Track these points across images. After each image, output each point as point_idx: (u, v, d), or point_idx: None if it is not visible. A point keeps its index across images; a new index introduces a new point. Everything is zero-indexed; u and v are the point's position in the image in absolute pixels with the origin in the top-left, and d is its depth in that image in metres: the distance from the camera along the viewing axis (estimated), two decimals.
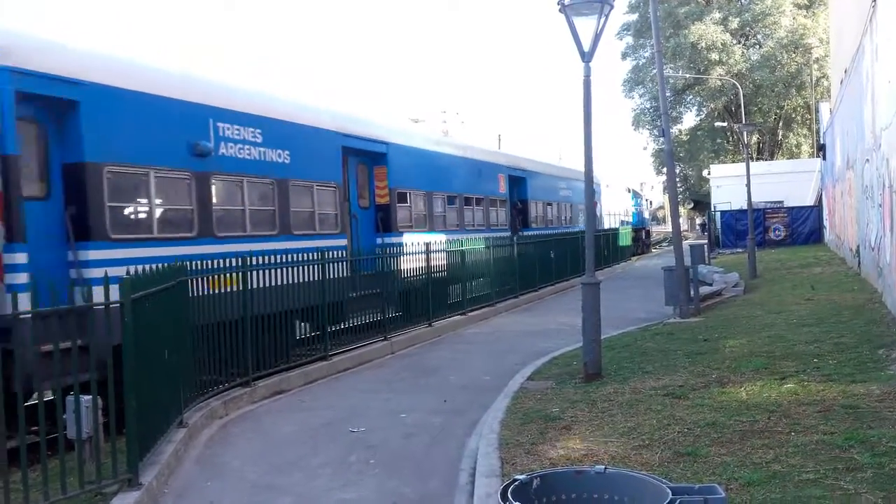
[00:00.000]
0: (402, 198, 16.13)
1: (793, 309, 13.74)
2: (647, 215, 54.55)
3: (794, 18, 47.36)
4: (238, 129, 11.19)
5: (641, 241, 46.56)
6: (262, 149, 11.63)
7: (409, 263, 14.41)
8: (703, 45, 47.40)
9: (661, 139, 31.29)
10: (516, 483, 2.93)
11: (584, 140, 9.68)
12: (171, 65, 11.73)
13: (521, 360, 11.41)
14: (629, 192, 47.62)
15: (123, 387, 6.24)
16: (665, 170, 20.43)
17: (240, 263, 9.85)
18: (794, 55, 47.39)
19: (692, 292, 15.12)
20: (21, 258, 7.84)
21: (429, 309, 14.97)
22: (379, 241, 14.94)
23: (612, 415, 7.41)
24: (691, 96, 53.58)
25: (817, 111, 39.40)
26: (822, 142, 32.53)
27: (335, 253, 12.15)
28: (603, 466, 3.08)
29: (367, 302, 13.19)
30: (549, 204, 27.77)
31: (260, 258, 10.26)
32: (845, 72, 19.74)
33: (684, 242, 21.20)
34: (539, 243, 22.18)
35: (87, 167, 8.78)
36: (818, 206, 37.18)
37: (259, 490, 6.46)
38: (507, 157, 24.99)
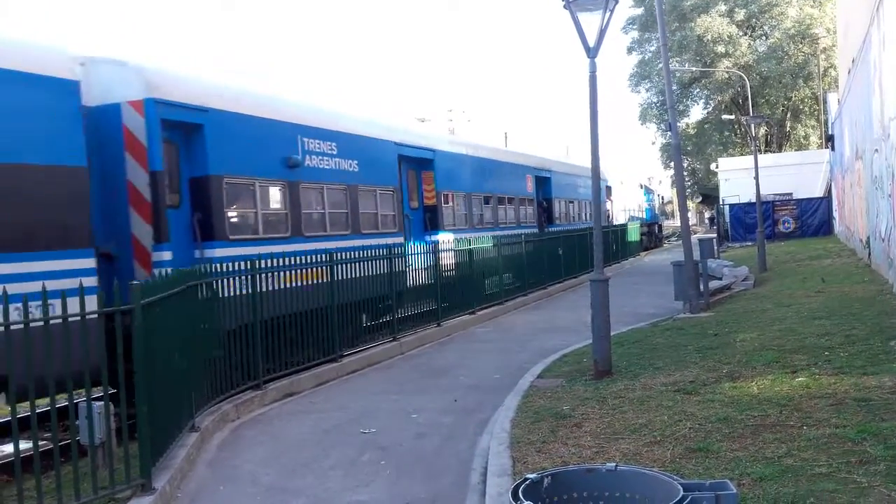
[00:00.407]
0: (447, 199, 18.06)
1: (803, 302, 13.68)
2: (657, 210, 56.01)
3: (800, 9, 47.13)
4: (319, 143, 12.96)
5: (654, 234, 48.48)
6: (336, 159, 13.44)
7: (451, 259, 15.94)
8: (710, 37, 47.24)
9: (669, 133, 31.39)
10: (527, 482, 2.93)
11: (590, 136, 9.67)
12: (267, 89, 13.42)
13: (531, 358, 11.39)
14: (642, 188, 48.97)
15: (135, 392, 6.27)
16: (673, 164, 20.39)
17: (327, 258, 11.55)
18: (801, 46, 47.17)
19: (702, 287, 15.07)
20: (167, 255, 9.68)
21: (438, 309, 14.98)
22: (427, 238, 16.34)
23: (622, 411, 7.40)
24: (698, 89, 53.39)
25: (825, 102, 39.19)
26: (830, 133, 32.39)
27: (397, 249, 13.91)
28: (614, 464, 3.08)
29: (420, 293, 14.79)
30: (571, 201, 29.61)
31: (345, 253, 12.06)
32: (853, 62, 19.63)
33: (693, 237, 21.20)
34: (547, 240, 22.16)
35: (211, 180, 10.56)
36: (827, 197, 37.02)
37: (272, 493, 6.48)
38: (534, 158, 26.41)
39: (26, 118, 8.13)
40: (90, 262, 8.57)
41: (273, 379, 10.17)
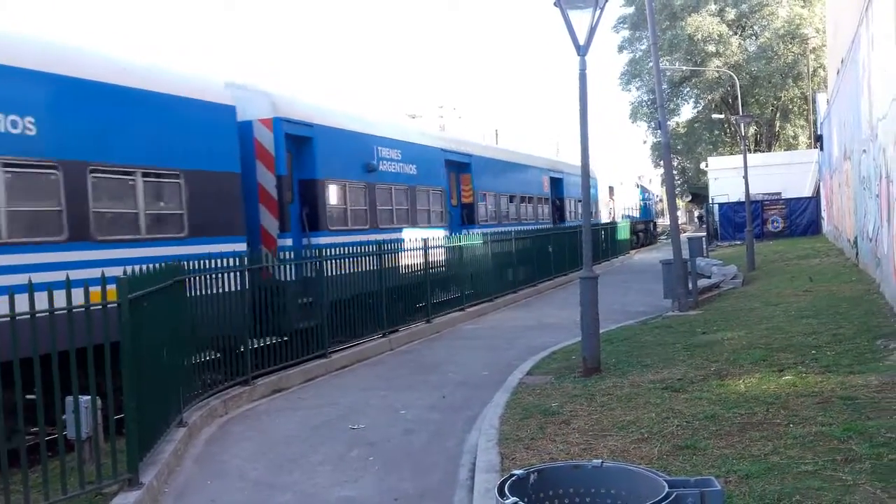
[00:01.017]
0: (481, 197, 20.97)
1: (791, 301, 13.76)
2: (654, 208, 58.14)
3: (790, 9, 47.32)
4: (388, 151, 15.58)
5: (650, 231, 51.93)
6: (400, 164, 16.03)
7: (486, 249, 17.93)
8: (700, 36, 47.39)
9: (659, 132, 31.61)
10: (514, 478, 2.92)
11: (580, 134, 9.68)
12: (351, 107, 18.03)
13: (520, 355, 11.41)
14: (638, 187, 51.54)
15: (123, 387, 6.25)
16: (663, 163, 20.52)
17: (422, 244, 14.85)
18: (790, 46, 47.37)
19: (690, 285, 15.13)
20: (288, 242, 12.14)
21: (427, 305, 14.99)
22: (465, 231, 18.53)
23: (611, 409, 7.43)
24: (688, 88, 53.54)
25: (814, 102, 39.38)
26: (819, 133, 32.54)
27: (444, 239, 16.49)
28: (600, 460, 3.08)
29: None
30: (580, 200, 29.84)
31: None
32: (842, 62, 19.72)
33: (682, 235, 21.44)
34: (537, 237, 22.21)
35: (316, 182, 13.04)
36: (816, 197, 37.21)
37: (260, 488, 6.47)
38: (549, 161, 29.66)
39: (206, 134, 10.62)
40: (243, 246, 11.00)
41: (262, 374, 10.15)
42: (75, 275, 6.72)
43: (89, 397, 6.58)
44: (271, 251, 11.47)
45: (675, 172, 36.36)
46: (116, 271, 7.02)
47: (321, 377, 10.96)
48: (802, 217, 36.95)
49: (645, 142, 63.70)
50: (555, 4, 9.09)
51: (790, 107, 53.25)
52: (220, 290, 9.26)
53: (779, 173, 40.78)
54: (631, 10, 52.24)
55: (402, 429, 7.97)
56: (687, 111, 57.42)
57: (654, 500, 2.67)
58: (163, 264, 7.66)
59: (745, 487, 5.00)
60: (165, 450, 7.03)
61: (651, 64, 24.22)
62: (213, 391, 9.19)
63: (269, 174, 12.01)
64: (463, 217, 19.89)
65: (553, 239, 23.50)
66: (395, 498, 6.07)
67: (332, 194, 13.55)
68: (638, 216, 48.09)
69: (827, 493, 4.78)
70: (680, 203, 72.22)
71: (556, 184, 28.46)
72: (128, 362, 6.22)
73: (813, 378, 7.72)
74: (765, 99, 50.92)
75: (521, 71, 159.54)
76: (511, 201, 23.38)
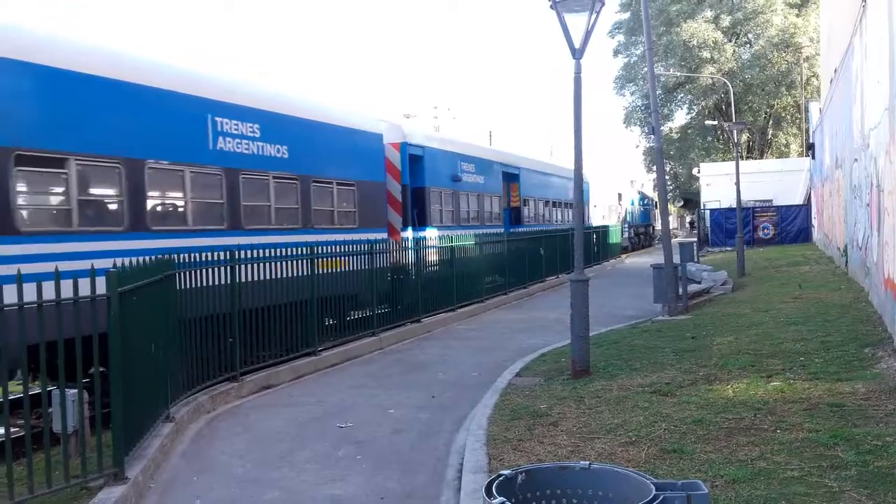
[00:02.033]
0: (526, 202, 25.89)
1: (780, 307, 13.80)
2: (652, 212, 60.27)
3: (785, 17, 47.53)
4: (467, 165, 20.54)
5: (648, 234, 56.60)
6: (475, 175, 21.04)
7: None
8: (695, 43, 47.53)
9: (652, 137, 31.99)
10: (501, 478, 2.92)
11: (574, 137, 9.68)
12: (443, 131, 29.18)
13: (510, 357, 11.42)
14: (639, 194, 56.50)
15: (109, 381, 6.22)
16: (655, 168, 20.71)
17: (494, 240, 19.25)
18: (784, 54, 47.58)
19: (681, 290, 15.17)
20: (408, 234, 16.49)
21: (417, 305, 14.98)
22: (513, 229, 22.77)
23: (599, 411, 7.43)
24: (682, 94, 53.73)
25: (807, 110, 39.58)
26: (811, 141, 32.68)
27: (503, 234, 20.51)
28: (587, 462, 3.08)
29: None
30: (595, 206, 39.00)
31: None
32: (835, 71, 19.82)
33: (673, 240, 21.69)
34: (529, 240, 22.26)
35: (425, 189, 17.97)
36: (807, 205, 37.35)
37: (246, 484, 6.45)
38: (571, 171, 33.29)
39: (367, 155, 15.39)
40: (385, 235, 15.48)
41: (250, 371, 10.12)
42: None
43: (76, 391, 6.56)
44: (396, 240, 15.49)
45: (667, 178, 36.55)
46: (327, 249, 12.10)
47: (310, 375, 10.94)
48: (793, 224, 37.08)
49: (637, 146, 63.95)
50: (551, 7, 9.10)
51: (783, 115, 53.50)
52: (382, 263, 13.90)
53: (770, 181, 40.91)
54: (627, 15, 52.45)
55: (390, 428, 7.96)
56: (680, 117, 57.67)
57: (641, 502, 2.67)
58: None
59: (732, 492, 5.00)
60: (152, 445, 7.00)
61: (646, 69, 24.46)
62: (201, 387, 9.15)
63: (396, 183, 16.91)
64: (512, 218, 24.66)
65: (545, 241, 23.55)
66: (382, 497, 6.06)
67: (435, 199, 18.51)
68: (639, 220, 54.15)
69: (813, 499, 4.80)
70: (672, 208, 72.43)
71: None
72: (115, 356, 6.19)
73: (801, 384, 7.75)
74: (758, 106, 51.14)
75: (515, 72, 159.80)
76: (546, 205, 28.60)
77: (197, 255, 9.22)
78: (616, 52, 54.82)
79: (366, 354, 12.49)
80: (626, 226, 47.51)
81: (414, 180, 17.36)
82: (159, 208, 10.50)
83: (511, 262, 20.39)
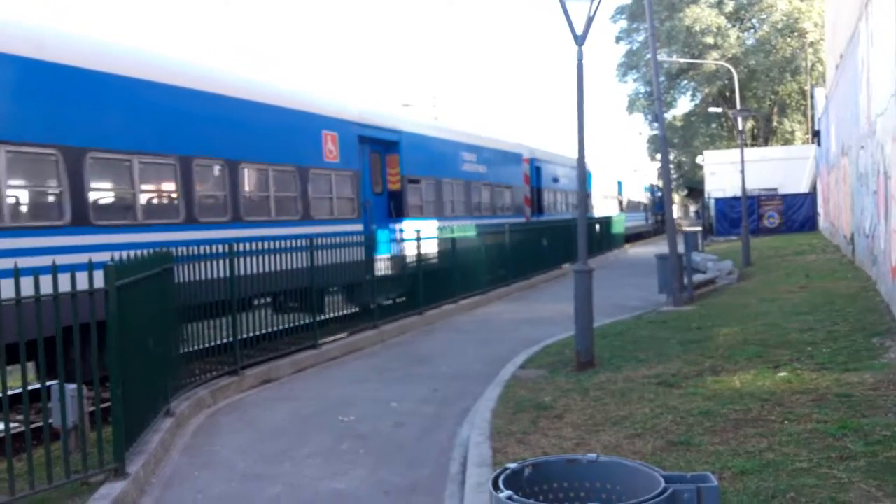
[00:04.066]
0: (545, 192, 29.28)
1: (787, 297, 13.71)
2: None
3: (789, 2, 47.22)
4: (561, 170, 29.83)
5: (660, 222, 58.88)
6: (562, 178, 30.59)
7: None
8: (698, 28, 47.25)
9: (656, 124, 32.11)
10: (508, 471, 2.88)
11: (577, 124, 9.58)
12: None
13: (513, 349, 11.34)
14: (651, 185, 58.48)
15: (109, 375, 6.16)
16: (659, 156, 20.62)
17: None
18: (789, 39, 47.28)
19: (685, 280, 15.06)
20: (534, 219, 26.00)
21: (418, 298, 14.89)
22: (535, 217, 26.49)
23: (604, 403, 7.36)
24: (686, 81, 53.46)
25: (812, 97, 39.30)
26: (816, 128, 32.50)
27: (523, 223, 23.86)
28: (595, 455, 3.03)
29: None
30: (605, 196, 44.07)
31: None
32: (841, 57, 19.65)
33: (678, 230, 21.71)
34: (531, 230, 22.18)
35: (541, 189, 28.07)
36: (813, 193, 37.19)
37: (248, 479, 6.39)
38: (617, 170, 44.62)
39: (516, 168, 24.98)
40: (523, 219, 23.19)
41: (251, 365, 10.06)
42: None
43: (75, 385, 6.51)
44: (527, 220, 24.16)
45: (671, 166, 36.46)
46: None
47: (311, 368, 10.88)
48: (799, 213, 36.94)
49: (641, 134, 63.84)
50: None
51: (788, 101, 53.20)
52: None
53: (775, 168, 40.75)
54: (629, 0, 52.11)
55: (392, 421, 7.90)
56: (684, 104, 57.47)
57: (650, 495, 2.63)
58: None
59: (740, 484, 4.94)
60: (153, 440, 6.94)
61: (648, 56, 24.48)
62: (202, 381, 9.10)
63: (526, 186, 25.95)
64: (534, 206, 27.49)
65: (548, 232, 23.46)
66: (386, 491, 6.00)
67: (547, 195, 28.40)
68: (655, 209, 57.41)
69: (822, 490, 4.74)
70: (676, 197, 72.28)
71: (620, 185, 44.31)
72: (114, 350, 6.13)
73: (808, 375, 7.67)
74: (762, 93, 50.86)
75: (516, 60, 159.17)
76: (562, 195, 31.81)
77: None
78: (618, 39, 54.57)
79: (367, 347, 12.42)
80: (649, 213, 55.02)
81: (536, 183, 27.05)
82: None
83: (514, 253, 20.27)
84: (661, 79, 27.62)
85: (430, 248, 15.54)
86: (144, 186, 10.40)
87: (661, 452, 5.75)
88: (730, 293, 16.00)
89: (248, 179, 12.45)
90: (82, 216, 9.37)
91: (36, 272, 5.72)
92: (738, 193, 28.29)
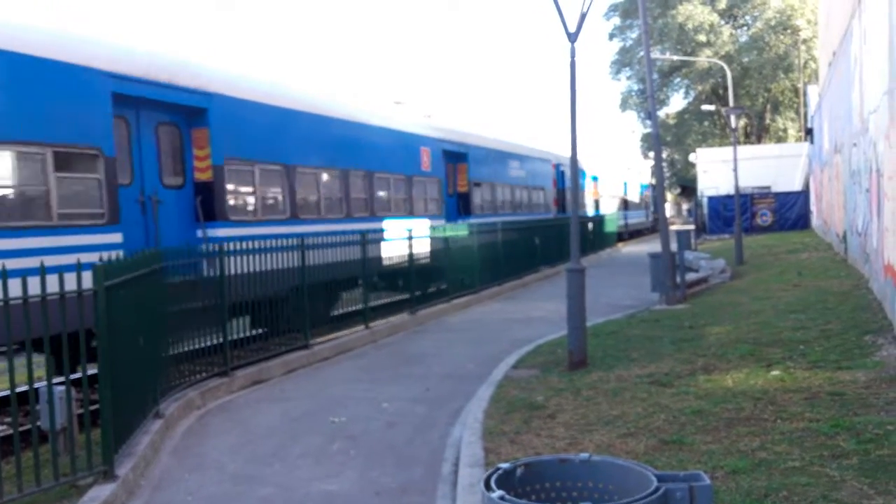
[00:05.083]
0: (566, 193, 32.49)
1: (779, 295, 13.72)
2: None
3: None
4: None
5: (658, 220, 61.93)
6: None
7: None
8: (691, 25, 47.35)
9: (649, 122, 32.41)
10: (500, 471, 2.88)
11: (570, 123, 9.56)
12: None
13: (506, 349, 11.29)
14: (648, 185, 59.79)
15: (98, 377, 6.11)
16: (652, 154, 20.66)
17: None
18: (782, 37, 47.39)
19: (678, 279, 15.05)
20: (559, 215, 29.20)
21: (412, 296, 14.86)
22: (559, 215, 28.90)
23: (596, 403, 7.34)
24: (679, 79, 53.60)
25: (805, 94, 39.42)
26: (809, 126, 32.55)
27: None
28: (587, 454, 3.03)
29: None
30: (613, 196, 47.38)
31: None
32: (833, 54, 19.68)
33: (670, 228, 21.75)
34: (524, 229, 22.12)
35: (564, 190, 30.71)
36: (805, 191, 37.26)
37: (238, 481, 6.35)
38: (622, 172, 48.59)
39: (547, 173, 29.06)
40: (551, 215, 27.95)
41: (241, 366, 10.00)
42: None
43: (63, 388, 6.46)
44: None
45: (664, 164, 36.58)
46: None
47: (302, 369, 10.82)
48: (791, 211, 37.01)
49: (633, 131, 64.04)
50: None
51: (781, 99, 53.35)
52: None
53: (768, 166, 40.79)
54: None
55: (384, 422, 7.86)
56: (677, 101, 57.83)
57: (642, 493, 2.64)
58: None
59: (732, 483, 4.94)
60: (142, 442, 6.88)
61: (641, 53, 24.52)
62: (191, 382, 9.04)
63: (553, 188, 29.00)
64: (560, 207, 30.64)
65: (540, 231, 23.44)
66: (377, 492, 5.96)
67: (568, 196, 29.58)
68: (652, 208, 58.36)
69: (814, 488, 4.74)
70: (669, 196, 72.41)
71: (645, 188, 49.60)
72: (104, 351, 6.08)
73: (801, 373, 7.67)
74: (755, 90, 50.99)
75: (508, 57, 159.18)
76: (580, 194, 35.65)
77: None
78: (612, 36, 54.63)
79: (358, 347, 12.36)
80: (651, 211, 56.06)
81: (561, 185, 30.43)
82: None
83: (506, 252, 20.21)
84: (655, 76, 28.53)
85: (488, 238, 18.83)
86: (306, 192, 13.79)
87: (653, 452, 5.74)
88: (722, 292, 16.01)
89: (379, 185, 16.25)
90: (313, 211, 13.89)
91: (28, 272, 5.67)
92: (731, 191, 28.33)
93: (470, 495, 5.35)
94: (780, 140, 53.19)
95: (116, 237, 9.61)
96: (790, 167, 40.77)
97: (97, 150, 9.51)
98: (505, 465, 2.92)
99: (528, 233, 22.28)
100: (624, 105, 55.50)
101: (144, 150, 10.77)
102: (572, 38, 9.12)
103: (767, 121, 54.85)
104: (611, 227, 35.40)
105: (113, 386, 6.16)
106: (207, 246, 10.05)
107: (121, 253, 7.42)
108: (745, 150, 39.38)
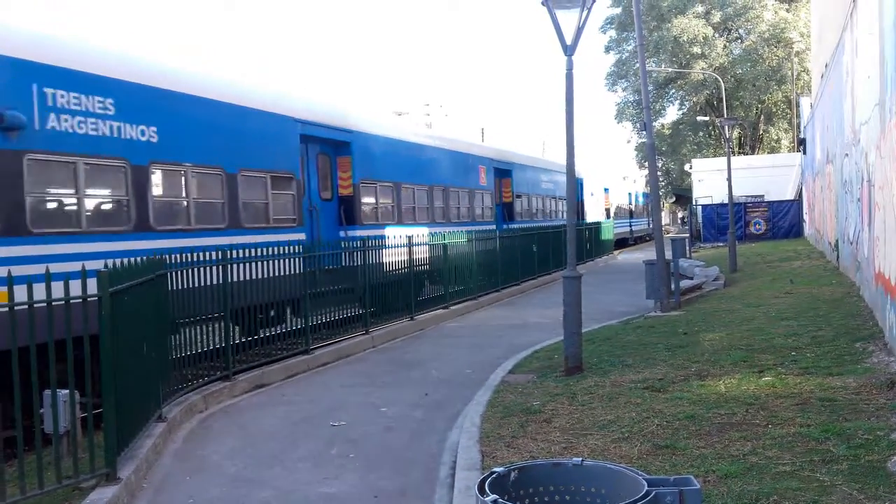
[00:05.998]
0: (582, 205, 35.37)
1: (772, 302, 13.84)
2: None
3: (775, 12, 47.67)
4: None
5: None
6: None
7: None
8: (686, 38, 47.60)
9: (644, 132, 32.78)
10: (494, 475, 2.91)
11: (566, 133, 9.68)
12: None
13: (503, 354, 11.41)
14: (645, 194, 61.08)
15: (101, 381, 6.19)
16: (647, 164, 20.91)
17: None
18: (775, 49, 47.69)
19: (673, 286, 15.19)
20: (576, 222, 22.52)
21: (410, 302, 14.97)
22: (581, 223, 30.08)
23: (592, 408, 7.44)
24: (674, 90, 53.80)
25: (798, 105, 39.64)
26: (802, 136, 32.76)
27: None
28: (580, 459, 3.08)
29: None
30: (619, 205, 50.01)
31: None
32: (826, 66, 19.87)
33: (665, 236, 22.03)
34: (521, 237, 22.25)
35: (582, 203, 34.81)
36: (798, 200, 37.46)
37: (239, 484, 6.43)
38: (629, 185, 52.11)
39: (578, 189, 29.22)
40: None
41: (243, 370, 10.10)
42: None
43: (67, 391, 6.53)
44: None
45: (659, 174, 36.80)
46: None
47: (303, 374, 10.91)
48: (784, 220, 37.20)
49: (629, 142, 64.15)
50: (542, 4, 9.08)
51: (774, 110, 53.64)
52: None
53: (762, 176, 41.01)
54: (618, 10, 52.48)
55: (383, 426, 7.95)
56: (672, 113, 57.80)
57: (633, 498, 2.68)
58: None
59: (724, 487, 5.02)
60: (144, 445, 6.96)
61: (637, 65, 24.72)
62: (194, 386, 9.13)
63: (573, 200, 25.56)
64: (580, 215, 33.17)
65: (537, 238, 23.56)
66: (376, 495, 6.05)
67: (586, 206, 33.23)
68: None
69: (804, 493, 4.82)
70: (664, 204, 72.58)
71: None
72: (107, 356, 6.16)
73: (792, 379, 7.77)
74: (749, 102, 51.23)
75: (507, 69, 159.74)
76: (592, 204, 38.11)
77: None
78: (608, 49, 54.86)
79: (358, 353, 12.46)
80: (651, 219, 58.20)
81: (580, 197, 33.35)
82: None
83: (504, 259, 20.38)
84: (650, 88, 29.14)
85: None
86: (406, 202, 17.60)
87: (647, 456, 5.83)
88: (716, 299, 16.13)
89: (453, 197, 20.34)
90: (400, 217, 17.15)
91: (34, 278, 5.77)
92: (725, 200, 28.51)
93: (466, 498, 5.43)
94: (774, 150, 53.42)
95: (302, 235, 13.45)
96: (783, 177, 40.99)
97: (292, 175, 13.38)
98: (499, 469, 2.95)
99: (553, 236, 25.50)
100: (620, 116, 55.69)
101: (310, 173, 14.61)
102: (569, 51, 9.24)
103: (761, 131, 55.10)
104: (607, 234, 35.54)
105: (116, 389, 6.25)
106: (348, 242, 13.90)
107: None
108: (738, 160, 39.65)
